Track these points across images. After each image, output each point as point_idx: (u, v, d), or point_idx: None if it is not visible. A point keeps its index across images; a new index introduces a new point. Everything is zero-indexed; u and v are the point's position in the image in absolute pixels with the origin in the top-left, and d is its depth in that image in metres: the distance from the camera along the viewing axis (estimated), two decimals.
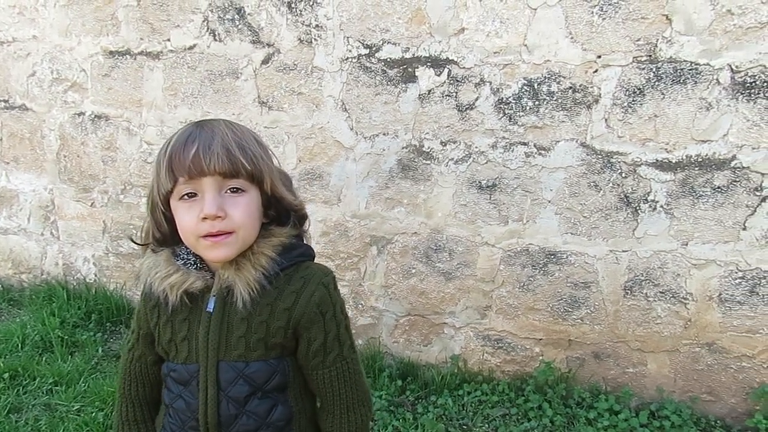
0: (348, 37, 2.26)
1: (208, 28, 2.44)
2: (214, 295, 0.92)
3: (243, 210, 0.86)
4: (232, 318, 0.90)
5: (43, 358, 2.39)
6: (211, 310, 0.91)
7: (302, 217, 0.97)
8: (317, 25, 2.29)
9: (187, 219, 0.86)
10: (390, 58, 2.23)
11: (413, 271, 2.33)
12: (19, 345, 2.45)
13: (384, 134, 2.29)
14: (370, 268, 2.39)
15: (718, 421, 2.03)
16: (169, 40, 2.52)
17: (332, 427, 0.97)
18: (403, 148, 2.27)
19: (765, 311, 1.98)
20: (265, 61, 2.39)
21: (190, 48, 2.49)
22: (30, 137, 2.92)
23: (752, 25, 1.86)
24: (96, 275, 2.93)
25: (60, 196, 2.92)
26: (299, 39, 2.33)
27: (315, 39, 2.30)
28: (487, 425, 2.05)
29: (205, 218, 0.84)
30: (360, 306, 2.41)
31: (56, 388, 2.19)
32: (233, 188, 0.86)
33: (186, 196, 0.86)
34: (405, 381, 2.28)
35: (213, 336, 0.90)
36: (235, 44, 2.42)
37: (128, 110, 2.66)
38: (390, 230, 2.34)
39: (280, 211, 0.93)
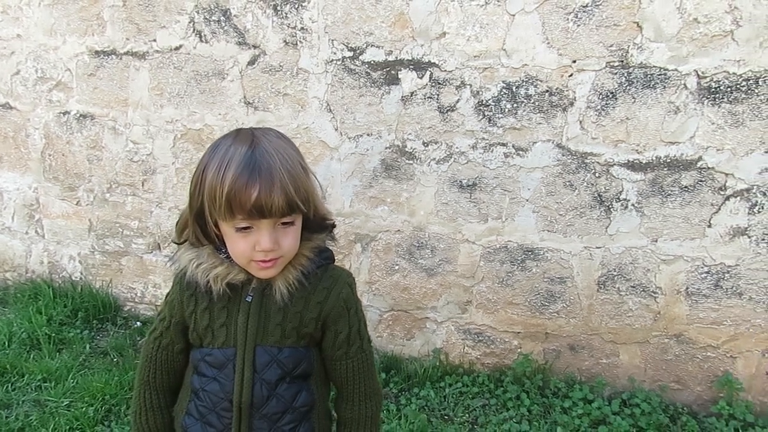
0: (333, 40, 2.32)
1: (194, 29, 2.47)
2: (254, 287, 1.00)
3: (292, 239, 0.96)
4: (269, 307, 1.00)
5: (31, 356, 2.41)
6: (250, 300, 1.00)
7: (333, 226, 1.07)
8: (302, 28, 2.34)
9: (242, 246, 0.94)
10: (374, 61, 2.29)
11: (396, 267, 2.41)
12: (6, 342, 2.47)
13: (368, 135, 2.35)
14: (355, 265, 2.46)
15: (685, 408, 2.14)
16: (155, 40, 2.55)
17: (350, 414, 1.07)
18: (386, 148, 2.34)
19: (728, 304, 2.09)
20: (251, 63, 2.43)
21: (177, 48, 2.52)
22: (14, 136, 2.92)
23: (717, 33, 1.96)
24: (82, 273, 2.95)
25: (45, 194, 2.93)
26: (285, 41, 2.37)
27: (300, 41, 2.36)
28: (467, 415, 2.14)
29: (261, 251, 0.93)
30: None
31: (45, 384, 2.22)
32: (285, 222, 0.94)
33: (242, 229, 0.93)
34: (389, 374, 2.35)
35: (252, 322, 0.99)
36: (221, 45, 2.46)
37: (114, 110, 2.68)
38: (374, 228, 2.41)
39: (316, 220, 1.02)
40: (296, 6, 2.33)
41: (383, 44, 2.27)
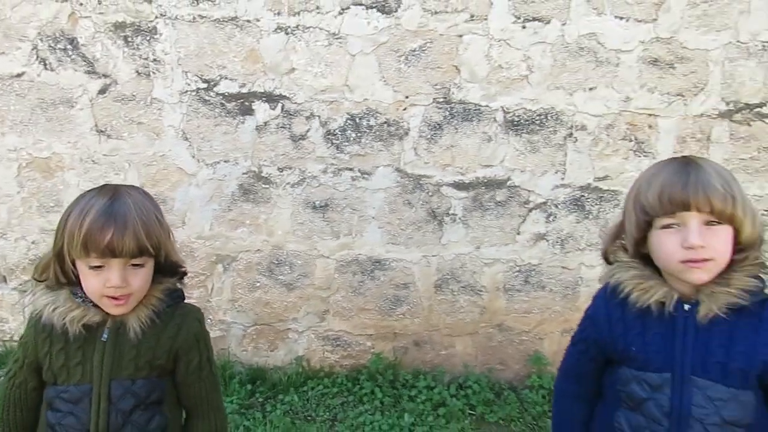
0: (186, 72, 2.43)
1: (38, 57, 2.43)
2: (108, 327, 1.12)
3: (141, 280, 1.09)
4: (123, 345, 1.11)
5: None
6: (105, 339, 1.11)
7: (184, 273, 1.21)
8: (155, 59, 2.42)
9: (94, 283, 1.06)
10: (228, 93, 2.44)
11: (258, 284, 2.58)
12: None
13: (225, 161, 2.49)
14: (217, 285, 2.58)
15: (507, 384, 2.58)
16: None
17: (203, 428, 1.21)
18: (243, 173, 2.50)
19: (535, 296, 2.57)
20: (102, 92, 2.45)
21: (18, 75, 2.45)
22: None
23: (516, 77, 2.41)
24: None
25: None
26: (137, 71, 2.43)
27: (153, 72, 2.43)
28: (328, 413, 2.37)
29: (111, 287, 1.05)
30: (209, 321, 2.58)
31: None
32: (135, 264, 1.07)
33: (95, 267, 1.05)
34: (254, 384, 2.51)
35: (107, 360, 1.10)
36: (69, 74, 2.44)
37: None
38: (234, 249, 2.55)
39: (168, 266, 1.16)
40: (148, 38, 2.41)
41: (236, 77, 2.43)
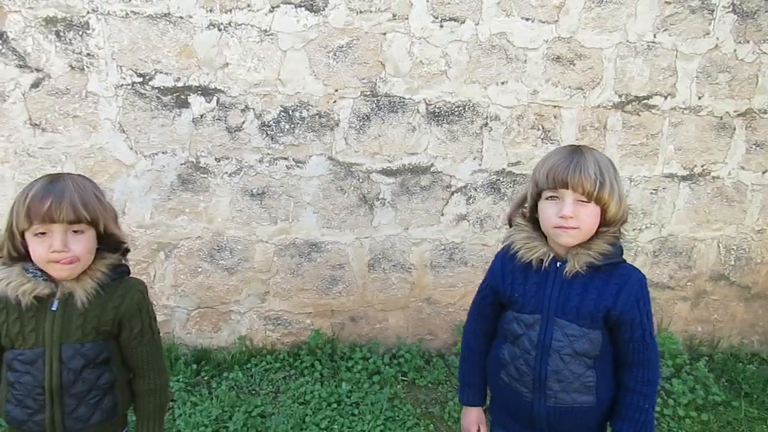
0: (121, 66, 2.50)
1: None
2: (57, 298, 1.27)
3: (82, 246, 1.24)
4: (71, 314, 1.27)
5: None
6: (55, 309, 1.26)
7: (126, 249, 1.36)
8: (89, 54, 2.47)
9: (40, 250, 1.22)
10: (163, 86, 2.53)
11: (200, 269, 2.70)
12: None
13: (163, 153, 2.59)
14: (160, 272, 2.69)
15: (436, 352, 2.85)
16: None
17: (146, 387, 1.39)
18: (181, 164, 2.60)
19: (459, 271, 2.83)
20: (35, 85, 2.48)
21: None
22: None
23: (436, 72, 2.63)
24: None
25: None
26: (71, 65, 2.48)
27: (87, 66, 2.48)
28: (271, 387, 2.55)
29: (54, 252, 1.20)
30: (153, 306, 2.68)
31: None
32: (75, 230, 1.22)
33: (39, 234, 1.21)
34: (200, 364, 2.65)
35: (57, 327, 1.26)
36: None
37: None
38: (175, 236, 2.66)
39: (111, 242, 1.31)
40: (80, 33, 2.45)
41: (171, 71, 2.52)
